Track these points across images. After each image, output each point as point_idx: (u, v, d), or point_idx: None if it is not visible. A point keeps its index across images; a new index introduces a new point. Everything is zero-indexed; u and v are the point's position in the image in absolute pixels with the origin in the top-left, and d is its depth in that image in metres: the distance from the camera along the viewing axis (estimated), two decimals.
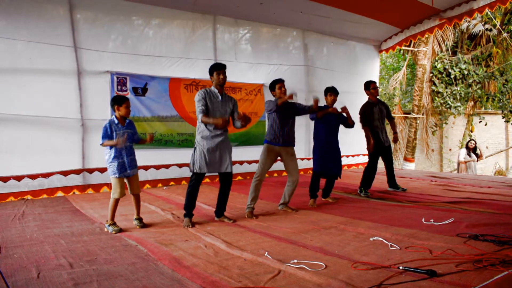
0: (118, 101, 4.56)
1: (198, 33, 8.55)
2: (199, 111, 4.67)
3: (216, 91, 4.84)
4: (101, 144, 4.51)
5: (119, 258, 3.52)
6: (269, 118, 5.47)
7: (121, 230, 4.46)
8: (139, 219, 4.72)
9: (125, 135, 4.53)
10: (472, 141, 11.29)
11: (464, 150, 11.40)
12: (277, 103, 5.23)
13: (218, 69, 4.81)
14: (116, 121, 4.54)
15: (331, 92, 6.07)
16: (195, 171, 4.72)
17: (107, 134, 4.48)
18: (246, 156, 8.97)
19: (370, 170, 6.85)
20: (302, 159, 9.97)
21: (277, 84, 5.44)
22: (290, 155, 5.43)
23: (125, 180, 4.65)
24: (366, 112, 6.83)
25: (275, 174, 9.55)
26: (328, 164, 5.94)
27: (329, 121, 5.99)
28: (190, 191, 4.81)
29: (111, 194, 4.58)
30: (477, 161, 11.23)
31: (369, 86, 6.94)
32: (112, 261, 3.42)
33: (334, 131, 6.06)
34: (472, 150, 11.15)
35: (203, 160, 4.69)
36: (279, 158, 5.49)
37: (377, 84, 7.07)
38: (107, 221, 4.59)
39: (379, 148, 6.86)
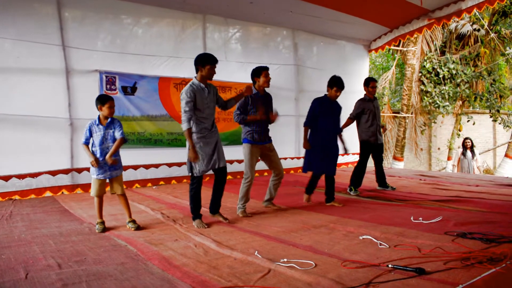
0: (101, 101, 4.47)
1: (188, 32, 8.52)
2: (188, 117, 4.53)
3: (203, 85, 4.63)
4: (82, 144, 4.53)
5: (108, 258, 3.50)
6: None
7: (104, 230, 4.45)
8: (133, 221, 4.59)
9: (100, 160, 4.47)
10: (468, 140, 11.32)
11: (459, 150, 11.48)
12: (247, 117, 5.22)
13: (213, 62, 4.59)
14: (97, 122, 4.49)
15: (338, 87, 5.67)
16: (195, 175, 4.63)
17: (86, 136, 4.48)
18: (236, 156, 8.94)
19: (360, 168, 6.84)
20: (292, 158, 10.00)
21: (263, 71, 5.25)
22: (271, 150, 5.40)
23: (108, 181, 4.62)
24: (362, 107, 6.81)
25: (265, 174, 9.56)
26: (327, 163, 5.77)
27: (333, 115, 5.79)
28: (193, 194, 4.70)
29: (91, 193, 4.63)
30: (473, 158, 11.25)
31: (369, 84, 6.88)
32: (101, 261, 3.40)
33: (337, 126, 5.87)
34: (469, 148, 11.20)
35: (202, 163, 4.59)
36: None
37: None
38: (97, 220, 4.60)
39: (371, 146, 6.85)
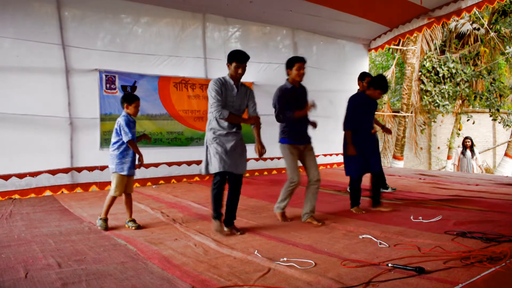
0: (128, 99, 4.46)
1: (188, 32, 8.52)
2: (219, 110, 4.19)
3: (232, 83, 4.30)
4: (128, 141, 4.40)
5: (108, 257, 3.50)
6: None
7: (106, 228, 4.44)
8: (133, 220, 4.59)
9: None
10: (468, 139, 11.32)
11: (459, 150, 11.48)
12: (293, 114, 4.73)
13: (239, 60, 4.23)
14: (132, 118, 4.51)
15: (367, 76, 5.81)
16: (212, 171, 4.22)
17: (133, 131, 4.44)
18: None
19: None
20: None
21: (297, 63, 4.82)
22: (310, 151, 4.89)
23: None
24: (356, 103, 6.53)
25: (265, 173, 9.55)
26: (369, 162, 5.26)
27: (370, 109, 5.46)
28: (215, 193, 4.26)
29: (110, 191, 4.55)
30: (472, 157, 11.25)
31: (364, 79, 6.42)
32: (101, 261, 3.40)
33: (372, 120, 5.55)
34: (469, 148, 11.20)
35: (219, 159, 4.15)
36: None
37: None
38: (100, 214, 4.57)
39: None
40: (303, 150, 4.84)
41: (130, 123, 4.44)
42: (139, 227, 4.52)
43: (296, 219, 4.87)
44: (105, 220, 4.51)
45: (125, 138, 4.39)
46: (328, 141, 9.91)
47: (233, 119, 4.29)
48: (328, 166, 10.78)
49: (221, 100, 4.23)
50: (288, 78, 4.96)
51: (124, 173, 4.49)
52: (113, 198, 4.54)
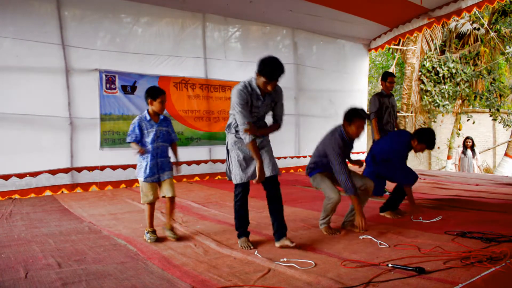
0: (152, 94, 3.97)
1: (188, 31, 8.52)
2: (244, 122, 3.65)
3: (259, 91, 3.84)
4: (127, 142, 4.06)
5: (108, 257, 3.49)
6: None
7: (157, 240, 3.95)
8: (172, 230, 4.12)
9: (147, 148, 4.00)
10: (469, 139, 11.32)
11: (460, 149, 11.48)
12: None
13: (268, 77, 3.87)
14: (148, 117, 3.99)
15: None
16: (235, 182, 3.83)
17: (134, 133, 3.97)
18: None
19: None
20: (292, 158, 9.99)
21: (389, 77, 5.59)
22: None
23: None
24: (376, 102, 6.41)
25: None
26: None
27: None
28: (237, 207, 3.93)
29: (141, 200, 4.18)
30: (474, 157, 11.26)
31: (387, 79, 6.46)
32: (101, 261, 3.40)
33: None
34: (470, 148, 11.21)
35: (239, 168, 3.77)
36: None
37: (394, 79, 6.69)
38: (146, 227, 4.13)
39: None
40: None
41: (144, 123, 3.99)
42: (179, 238, 4.02)
43: (296, 219, 4.87)
44: (152, 231, 4.04)
45: (127, 139, 4.06)
46: None
47: (259, 132, 3.83)
48: None
49: (246, 114, 3.69)
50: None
51: (141, 178, 4.06)
52: (147, 206, 4.10)
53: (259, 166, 3.65)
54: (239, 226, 3.91)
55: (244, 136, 3.64)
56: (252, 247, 3.72)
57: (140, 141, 4.03)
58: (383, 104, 6.43)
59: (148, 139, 4.01)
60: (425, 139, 4.77)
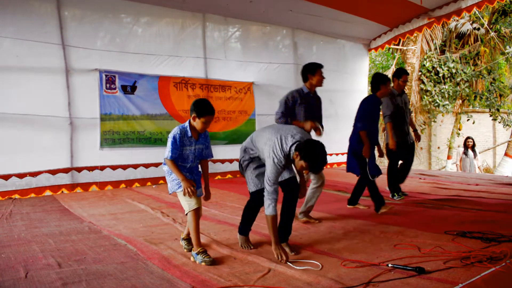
0: (198, 110, 3.42)
1: (188, 31, 8.51)
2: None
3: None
4: (167, 158, 3.45)
5: (108, 257, 3.50)
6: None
7: (213, 262, 3.30)
8: (188, 240, 3.73)
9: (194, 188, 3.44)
10: (470, 139, 11.33)
11: (460, 149, 11.48)
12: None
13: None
14: (189, 134, 3.49)
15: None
16: (251, 191, 3.78)
17: (177, 148, 3.45)
18: (236, 155, 8.97)
19: (393, 172, 6.17)
20: None
21: (318, 69, 4.78)
22: None
23: None
24: (390, 105, 6.02)
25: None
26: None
27: (376, 114, 5.39)
28: (247, 213, 3.89)
29: (186, 209, 3.49)
30: (475, 157, 11.27)
31: (401, 76, 6.15)
32: (101, 261, 3.40)
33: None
34: (471, 148, 11.22)
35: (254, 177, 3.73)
36: None
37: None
38: (193, 249, 3.46)
39: (401, 146, 6.08)
40: None
41: (185, 139, 3.50)
42: (190, 249, 3.60)
43: (297, 220, 4.87)
44: (203, 252, 3.38)
45: (169, 155, 3.46)
46: (329, 141, 9.90)
47: None
48: (328, 166, 10.78)
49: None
50: (307, 84, 4.85)
51: (180, 188, 3.49)
52: (194, 215, 3.46)
53: (301, 181, 3.75)
54: (243, 222, 3.89)
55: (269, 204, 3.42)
56: (252, 247, 3.73)
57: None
58: (397, 105, 6.06)
59: (185, 156, 3.56)
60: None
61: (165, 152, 3.46)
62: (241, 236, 3.85)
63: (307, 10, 9.01)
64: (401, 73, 6.18)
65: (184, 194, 3.40)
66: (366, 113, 5.27)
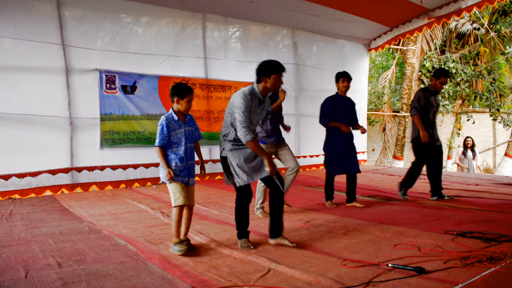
0: (180, 93, 3.67)
1: (188, 31, 8.51)
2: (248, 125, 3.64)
3: (260, 96, 3.86)
4: (156, 146, 3.65)
5: (108, 257, 3.49)
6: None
7: (192, 248, 3.65)
8: (187, 241, 3.78)
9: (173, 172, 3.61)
10: (469, 139, 11.32)
11: (460, 150, 11.48)
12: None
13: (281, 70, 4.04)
14: (176, 117, 3.69)
15: (344, 77, 5.73)
16: (239, 185, 3.77)
17: (163, 135, 3.62)
18: None
19: (416, 170, 6.07)
20: None
21: (442, 77, 5.58)
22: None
23: None
24: (421, 99, 5.85)
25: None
26: (345, 162, 5.54)
27: (344, 114, 5.61)
28: (239, 209, 3.90)
29: (172, 203, 3.64)
30: (474, 158, 11.26)
31: (439, 77, 5.82)
32: (101, 261, 3.40)
33: (350, 125, 5.64)
34: (470, 148, 11.22)
35: (242, 172, 3.74)
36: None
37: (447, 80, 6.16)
38: (172, 240, 3.67)
39: (428, 146, 5.89)
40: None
41: (172, 124, 3.68)
42: (191, 248, 3.71)
43: (297, 220, 4.87)
44: (180, 242, 3.62)
45: (156, 142, 3.65)
46: None
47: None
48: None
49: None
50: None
51: (172, 180, 3.65)
52: (178, 210, 3.64)
53: (268, 160, 3.67)
54: (239, 227, 3.89)
55: (245, 134, 3.58)
56: (252, 247, 3.72)
57: (167, 142, 3.68)
58: (429, 103, 5.88)
59: (177, 140, 3.71)
60: (337, 75, 5.82)
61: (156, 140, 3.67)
62: (241, 239, 3.84)
63: (307, 10, 9.02)
64: (440, 74, 5.85)
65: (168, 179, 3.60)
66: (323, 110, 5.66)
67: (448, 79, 6.39)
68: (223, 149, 3.83)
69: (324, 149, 5.74)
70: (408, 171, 6.18)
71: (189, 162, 3.76)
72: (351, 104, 5.81)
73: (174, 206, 3.61)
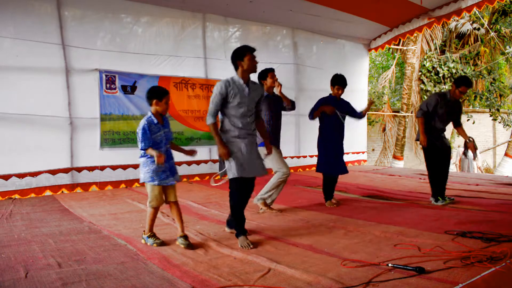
0: (157, 95, 3.78)
1: (188, 31, 8.51)
2: (212, 112, 4.02)
3: (242, 81, 3.99)
4: (142, 149, 3.75)
5: (108, 257, 3.49)
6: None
7: (163, 243, 3.82)
8: (185, 237, 3.82)
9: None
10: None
11: (460, 150, 11.47)
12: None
13: (251, 50, 3.98)
14: (155, 121, 3.79)
15: (339, 85, 5.65)
16: (230, 177, 3.89)
17: (147, 137, 3.72)
18: None
19: (435, 175, 5.91)
20: (292, 158, 9.99)
21: (269, 73, 5.08)
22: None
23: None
24: (431, 104, 5.69)
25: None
26: (334, 163, 5.63)
27: (334, 116, 5.60)
28: (233, 203, 3.98)
29: (147, 202, 3.90)
30: (474, 158, 11.26)
31: (460, 85, 5.59)
32: (101, 261, 3.40)
33: (340, 126, 5.66)
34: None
35: (234, 164, 3.86)
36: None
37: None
38: (144, 231, 3.95)
39: (432, 147, 5.86)
40: None
41: (153, 127, 3.77)
42: (190, 246, 3.75)
43: (296, 219, 4.87)
44: (153, 236, 3.89)
45: (139, 145, 3.76)
46: None
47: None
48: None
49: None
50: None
51: (154, 182, 3.80)
52: (153, 210, 3.90)
53: (220, 144, 3.91)
54: (236, 224, 3.97)
55: (208, 119, 4.04)
56: (251, 246, 3.73)
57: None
58: (442, 108, 5.69)
59: (158, 142, 3.81)
60: (333, 80, 5.83)
61: (139, 144, 3.76)
62: (240, 236, 3.87)
63: (307, 10, 9.02)
64: (461, 83, 5.59)
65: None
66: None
67: (470, 89, 6.08)
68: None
69: (317, 148, 5.81)
70: (429, 182, 5.97)
71: (170, 162, 3.92)
72: (346, 105, 5.79)
73: (149, 206, 3.88)
